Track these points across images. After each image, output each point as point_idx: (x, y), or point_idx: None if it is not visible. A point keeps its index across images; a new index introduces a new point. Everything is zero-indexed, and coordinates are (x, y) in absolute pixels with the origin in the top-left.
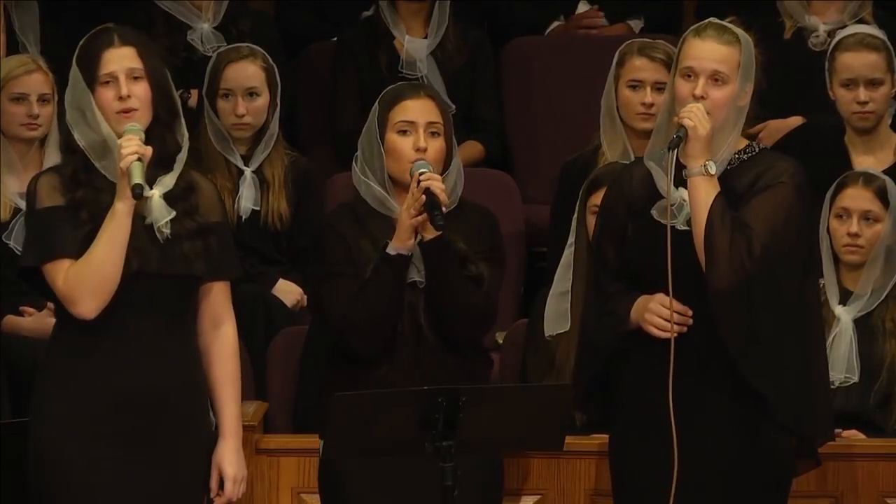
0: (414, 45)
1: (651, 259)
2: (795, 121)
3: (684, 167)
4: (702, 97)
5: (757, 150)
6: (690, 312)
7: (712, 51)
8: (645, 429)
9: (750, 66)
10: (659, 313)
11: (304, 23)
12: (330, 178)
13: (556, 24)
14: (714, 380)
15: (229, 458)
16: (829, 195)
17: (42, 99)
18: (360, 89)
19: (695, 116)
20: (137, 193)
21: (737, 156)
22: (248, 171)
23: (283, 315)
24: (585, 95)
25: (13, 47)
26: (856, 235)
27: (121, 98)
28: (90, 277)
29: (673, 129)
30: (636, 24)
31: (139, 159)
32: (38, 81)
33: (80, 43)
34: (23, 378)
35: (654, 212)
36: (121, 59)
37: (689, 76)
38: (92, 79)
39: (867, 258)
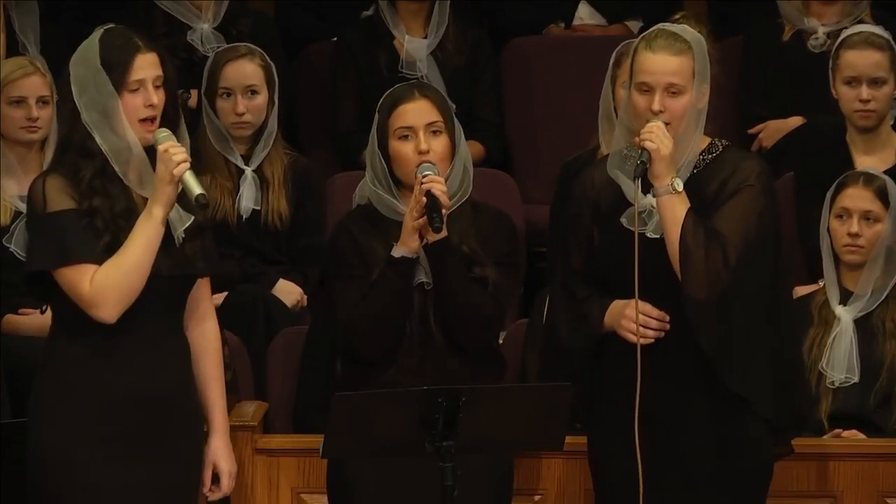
0: (414, 45)
1: (622, 266)
2: (795, 121)
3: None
4: (660, 111)
5: (720, 148)
6: (668, 318)
7: (665, 63)
8: (621, 430)
9: (704, 68)
10: (635, 319)
11: (304, 23)
12: (330, 179)
13: (551, 26)
14: (689, 381)
15: (223, 453)
16: (829, 195)
17: (41, 101)
18: (359, 89)
19: (656, 138)
20: (203, 204)
21: (701, 157)
22: (248, 171)
23: (283, 315)
24: (585, 95)
25: (13, 47)
26: (856, 235)
27: (149, 105)
28: (121, 282)
29: (633, 141)
30: (634, 25)
31: (190, 167)
32: (36, 84)
33: (100, 42)
34: (23, 378)
35: (623, 220)
36: (150, 67)
37: (646, 91)
38: (120, 83)
39: (867, 258)
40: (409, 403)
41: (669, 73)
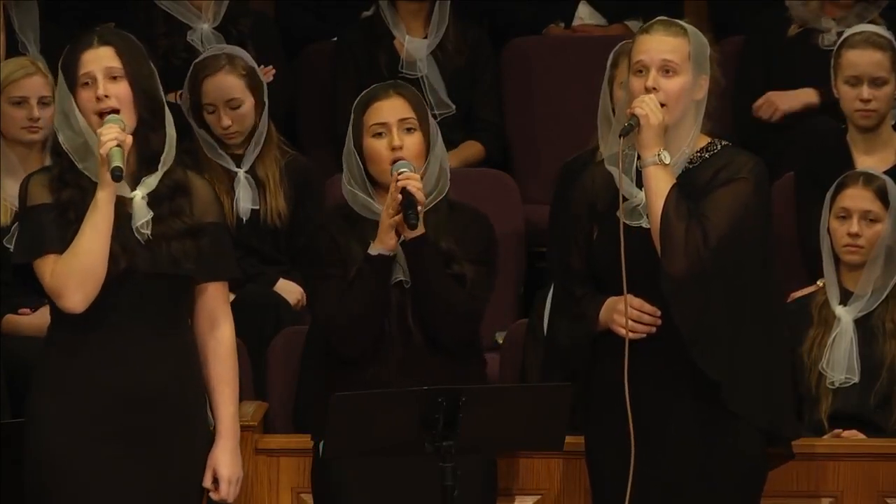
0: (414, 45)
1: (617, 262)
2: (806, 94)
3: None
4: (654, 88)
5: (719, 147)
6: (659, 313)
7: (659, 42)
8: (615, 431)
9: (701, 58)
10: (629, 315)
11: (304, 23)
12: (330, 179)
13: (551, 26)
14: (681, 381)
15: (224, 458)
16: (829, 195)
17: (42, 102)
18: (359, 90)
19: (646, 106)
20: (117, 176)
21: (699, 153)
22: (241, 173)
23: (290, 316)
24: (585, 95)
25: (13, 47)
26: (856, 235)
27: (98, 98)
28: (76, 268)
29: (625, 120)
30: (634, 25)
31: (118, 145)
32: (37, 84)
33: (68, 46)
34: (23, 378)
35: (618, 214)
36: (98, 60)
37: (641, 71)
38: (72, 81)
39: (867, 258)
40: (408, 403)
41: (664, 51)
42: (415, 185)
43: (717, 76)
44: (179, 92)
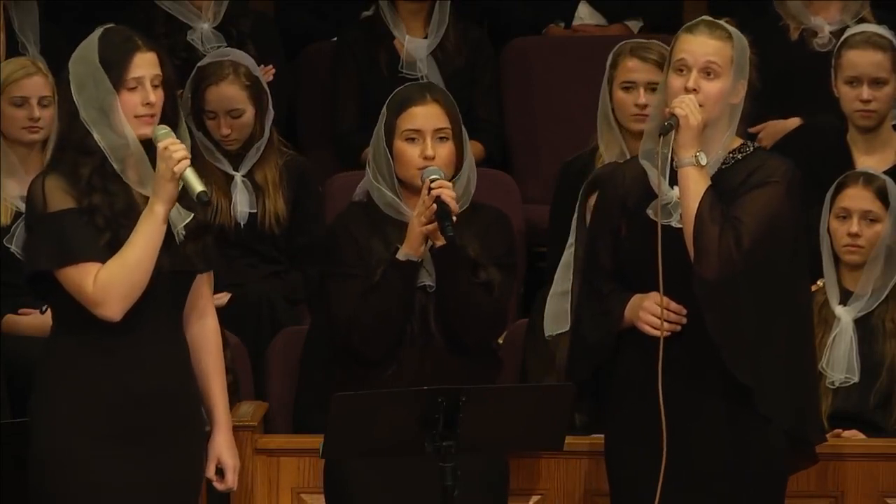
0: (414, 45)
1: (646, 258)
2: (794, 122)
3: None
4: (694, 90)
5: (751, 149)
6: (685, 311)
7: (704, 44)
8: (639, 428)
9: (743, 62)
10: (654, 312)
11: (304, 23)
12: (330, 179)
13: (551, 26)
14: (708, 379)
15: (227, 448)
16: (829, 195)
17: (42, 102)
18: (360, 89)
19: (686, 106)
20: (205, 201)
21: (731, 155)
22: (237, 176)
23: (288, 316)
24: (585, 95)
25: (13, 47)
26: (856, 235)
27: (147, 104)
28: (125, 279)
29: (665, 120)
30: (634, 25)
31: (191, 164)
32: (38, 84)
33: (99, 40)
34: (23, 378)
35: (649, 211)
36: (148, 65)
37: (682, 70)
38: (119, 81)
39: (867, 258)
40: (409, 403)
41: (707, 54)
42: (448, 195)
43: (754, 79)
44: (179, 91)
